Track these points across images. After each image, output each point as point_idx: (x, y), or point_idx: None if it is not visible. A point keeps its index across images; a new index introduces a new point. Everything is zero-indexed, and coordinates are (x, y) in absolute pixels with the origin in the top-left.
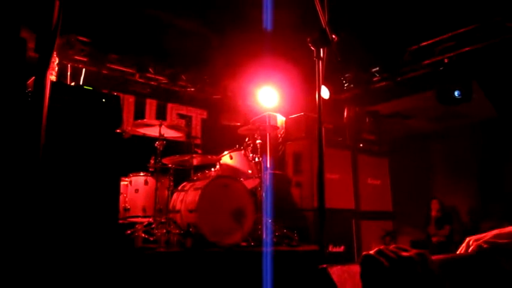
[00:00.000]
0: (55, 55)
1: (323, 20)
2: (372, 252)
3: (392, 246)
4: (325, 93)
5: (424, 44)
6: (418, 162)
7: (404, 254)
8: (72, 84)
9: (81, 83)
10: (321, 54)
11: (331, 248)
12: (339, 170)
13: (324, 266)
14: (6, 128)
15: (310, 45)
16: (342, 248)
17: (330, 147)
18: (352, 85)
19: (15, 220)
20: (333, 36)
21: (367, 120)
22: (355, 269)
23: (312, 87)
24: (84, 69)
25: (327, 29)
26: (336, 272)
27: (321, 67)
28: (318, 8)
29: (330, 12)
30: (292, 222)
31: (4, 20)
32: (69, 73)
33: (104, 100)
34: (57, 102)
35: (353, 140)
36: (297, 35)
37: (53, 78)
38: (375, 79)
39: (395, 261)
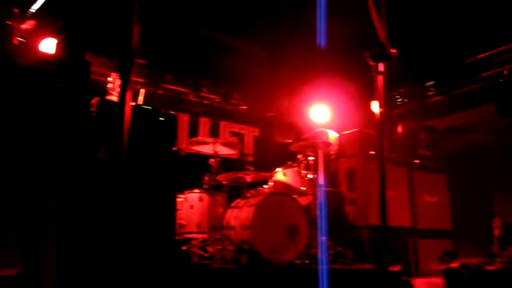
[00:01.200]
0: (116, 76)
1: (382, 34)
2: (455, 265)
3: (476, 260)
4: (376, 108)
5: (482, 56)
6: (477, 178)
7: (489, 267)
8: (132, 104)
9: (140, 102)
10: (380, 69)
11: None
12: (394, 186)
13: (406, 278)
14: (71, 144)
15: (368, 60)
16: (399, 267)
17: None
18: (406, 100)
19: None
20: (392, 50)
21: (423, 135)
22: (437, 281)
23: (365, 103)
24: (143, 90)
25: (386, 43)
26: (418, 283)
27: (380, 82)
28: (376, 22)
29: (387, 27)
30: (347, 240)
31: (70, 44)
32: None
33: (161, 119)
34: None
35: (408, 156)
36: (350, 50)
37: (115, 98)
38: (429, 93)
39: (479, 274)
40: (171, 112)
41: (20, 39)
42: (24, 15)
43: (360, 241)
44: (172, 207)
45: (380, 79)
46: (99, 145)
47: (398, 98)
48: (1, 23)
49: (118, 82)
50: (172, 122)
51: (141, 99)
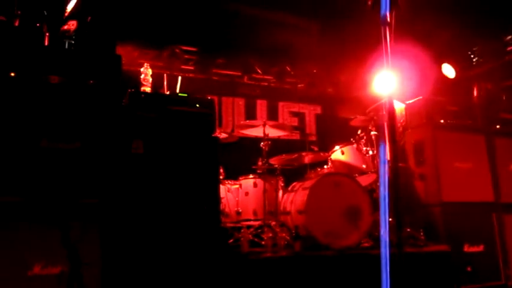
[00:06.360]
0: (147, 66)
1: None
2: None
3: None
4: (449, 71)
5: None
6: None
7: None
8: (167, 92)
9: (177, 90)
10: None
11: (466, 248)
12: (471, 157)
13: None
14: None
15: (371, 8)
16: (481, 247)
17: (456, 132)
18: (481, 59)
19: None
20: None
21: (504, 97)
22: None
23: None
24: (180, 77)
25: None
26: None
27: (388, 35)
28: None
29: None
30: (417, 219)
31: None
32: (165, 83)
33: (198, 105)
34: (153, 111)
35: (487, 121)
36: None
37: (148, 89)
38: (509, 48)
39: None
40: (226, 97)
41: None
42: None
43: (432, 220)
44: (214, 195)
45: (386, 31)
46: (133, 138)
47: (474, 58)
48: None
49: (150, 72)
50: (211, 107)
51: (178, 86)
